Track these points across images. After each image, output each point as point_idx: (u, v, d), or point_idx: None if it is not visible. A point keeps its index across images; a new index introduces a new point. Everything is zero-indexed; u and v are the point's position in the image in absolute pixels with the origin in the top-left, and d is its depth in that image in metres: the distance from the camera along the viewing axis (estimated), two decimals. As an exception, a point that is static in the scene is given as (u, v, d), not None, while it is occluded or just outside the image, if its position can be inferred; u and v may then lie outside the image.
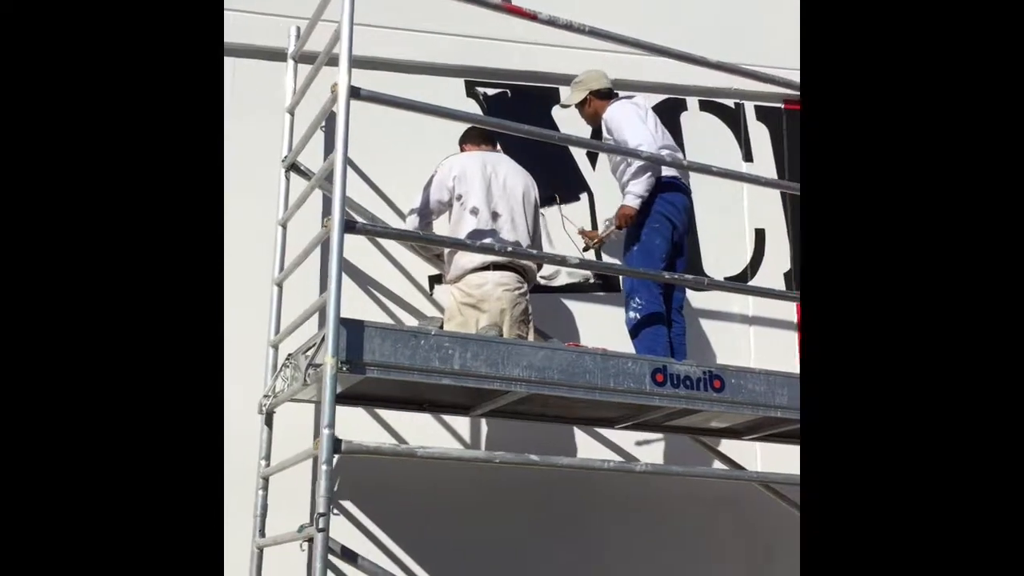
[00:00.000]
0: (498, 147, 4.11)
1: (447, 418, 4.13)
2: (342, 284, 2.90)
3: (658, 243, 3.82)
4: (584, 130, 4.37)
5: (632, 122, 3.86)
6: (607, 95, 4.14)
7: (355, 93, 3.16)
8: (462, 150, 3.99)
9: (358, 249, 4.12)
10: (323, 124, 4.24)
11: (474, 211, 3.72)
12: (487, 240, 3.67)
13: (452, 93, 4.52)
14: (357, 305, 4.07)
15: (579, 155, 4.73)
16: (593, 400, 3.39)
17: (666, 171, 3.94)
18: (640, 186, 3.81)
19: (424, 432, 4.06)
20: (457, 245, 3.60)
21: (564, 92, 4.53)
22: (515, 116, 4.52)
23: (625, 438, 4.47)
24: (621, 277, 4.01)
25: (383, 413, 4.02)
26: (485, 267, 3.65)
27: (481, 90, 4.60)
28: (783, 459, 4.59)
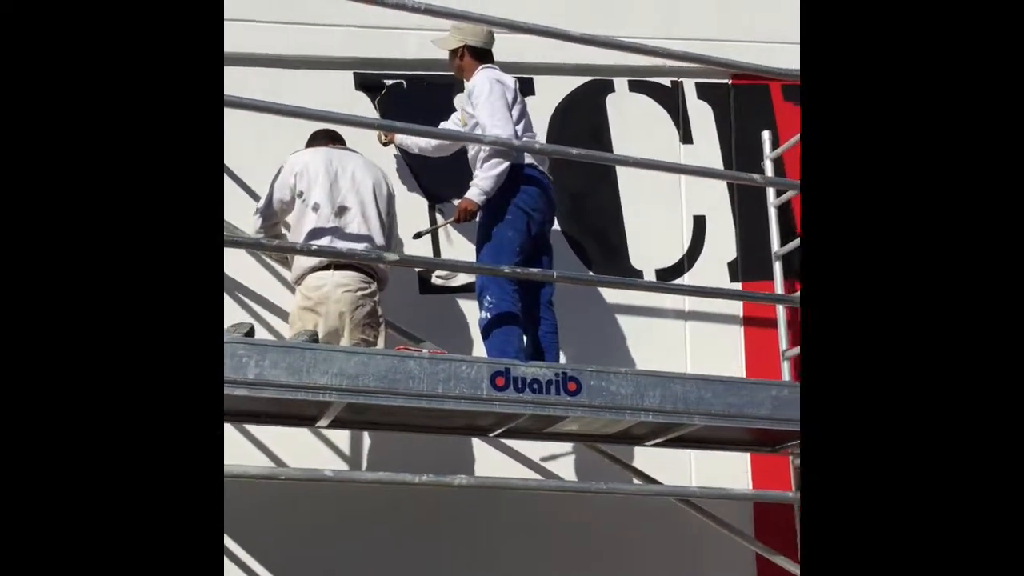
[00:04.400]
0: (347, 145, 3.83)
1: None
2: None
3: (510, 236, 3.47)
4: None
5: (495, 105, 3.53)
6: (482, 56, 3.81)
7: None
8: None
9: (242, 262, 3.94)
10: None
11: (315, 207, 3.47)
12: (326, 238, 3.42)
13: (340, 87, 4.29)
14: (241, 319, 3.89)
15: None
16: (420, 408, 3.09)
17: (526, 159, 3.59)
18: (488, 181, 3.47)
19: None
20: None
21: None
22: (412, 107, 4.30)
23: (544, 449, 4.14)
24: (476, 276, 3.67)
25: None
26: (325, 267, 3.40)
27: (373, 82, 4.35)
28: (722, 467, 4.19)
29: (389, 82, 4.35)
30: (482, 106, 3.53)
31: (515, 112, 3.59)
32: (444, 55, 4.02)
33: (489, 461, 4.07)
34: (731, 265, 4.56)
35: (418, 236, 3.81)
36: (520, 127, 3.59)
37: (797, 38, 4.65)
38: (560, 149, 3.60)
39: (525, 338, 3.60)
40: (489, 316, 3.40)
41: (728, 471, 4.18)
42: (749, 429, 3.61)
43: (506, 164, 3.48)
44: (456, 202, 4.18)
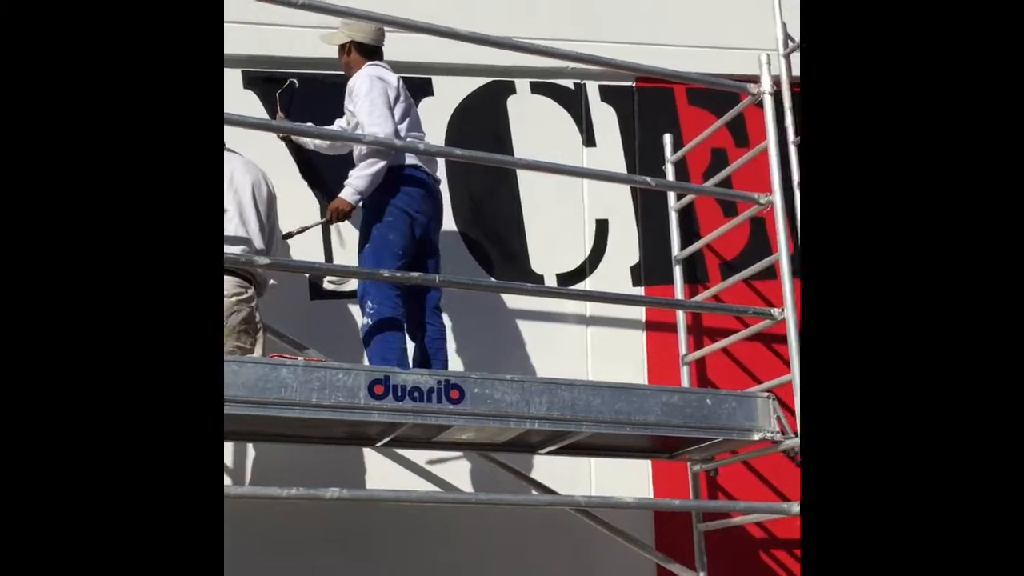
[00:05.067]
0: (228, 145, 3.68)
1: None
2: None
3: (392, 239, 3.36)
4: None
5: (375, 102, 3.41)
6: (370, 53, 3.68)
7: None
8: None
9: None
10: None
11: (191, 210, 3.32)
12: (201, 241, 3.28)
13: (229, 85, 4.14)
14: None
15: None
16: (295, 418, 2.96)
17: (409, 160, 3.49)
18: (362, 181, 3.36)
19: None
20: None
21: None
22: (303, 106, 4.17)
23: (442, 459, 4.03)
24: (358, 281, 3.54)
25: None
26: (198, 272, 3.24)
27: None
28: (623, 475, 4.13)
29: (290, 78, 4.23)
30: (361, 104, 3.42)
31: (398, 111, 3.48)
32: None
33: (388, 472, 3.95)
34: (634, 269, 4.51)
35: (288, 236, 3.67)
36: (404, 126, 3.48)
37: (703, 42, 4.76)
38: (444, 150, 3.50)
39: (413, 345, 3.50)
40: (370, 322, 3.28)
41: (629, 479, 4.11)
42: (647, 436, 3.55)
43: (382, 164, 3.37)
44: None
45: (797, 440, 3.33)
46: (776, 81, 4.68)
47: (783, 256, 3.60)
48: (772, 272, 4.53)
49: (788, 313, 3.51)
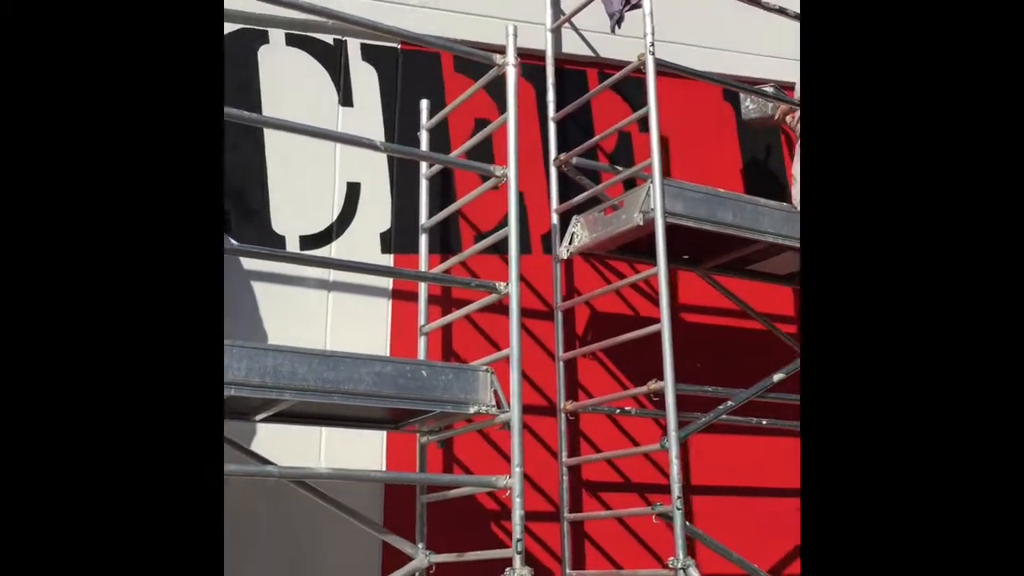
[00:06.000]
0: None
1: None
2: None
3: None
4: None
5: None
6: None
7: None
8: None
9: None
10: None
11: None
12: None
13: None
14: None
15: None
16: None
17: None
18: None
19: None
20: None
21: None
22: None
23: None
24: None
25: None
26: None
27: None
28: (356, 446, 4.02)
29: None
30: None
31: None
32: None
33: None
34: (384, 236, 4.38)
35: None
36: None
37: (475, 9, 4.67)
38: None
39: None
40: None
41: (362, 451, 4.01)
42: (377, 407, 3.44)
43: None
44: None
45: (511, 413, 3.31)
46: (539, 55, 4.69)
47: (512, 230, 3.54)
48: (527, 246, 4.56)
49: (512, 288, 3.46)
